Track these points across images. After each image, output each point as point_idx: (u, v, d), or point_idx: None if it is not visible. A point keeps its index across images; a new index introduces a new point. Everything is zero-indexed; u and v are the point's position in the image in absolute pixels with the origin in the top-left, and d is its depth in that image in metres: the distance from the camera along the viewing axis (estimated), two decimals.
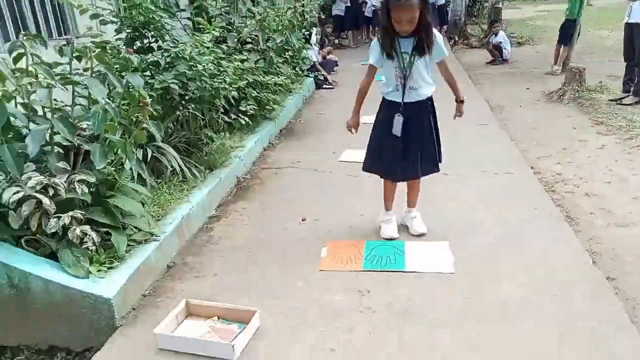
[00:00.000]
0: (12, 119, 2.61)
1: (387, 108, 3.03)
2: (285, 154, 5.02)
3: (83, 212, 2.58)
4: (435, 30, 2.87)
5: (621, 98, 6.22)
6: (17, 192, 2.40)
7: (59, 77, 2.71)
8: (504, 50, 9.60)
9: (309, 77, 7.70)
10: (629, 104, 6.04)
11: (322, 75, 8.23)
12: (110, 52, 3.17)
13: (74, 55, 2.86)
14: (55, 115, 2.62)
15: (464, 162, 4.40)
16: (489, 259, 2.91)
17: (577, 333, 2.28)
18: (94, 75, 2.79)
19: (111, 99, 2.90)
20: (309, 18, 6.89)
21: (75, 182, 2.54)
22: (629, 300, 2.59)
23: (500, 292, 2.60)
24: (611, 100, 6.26)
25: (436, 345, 2.25)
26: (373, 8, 12.48)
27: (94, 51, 2.81)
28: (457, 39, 12.60)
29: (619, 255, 3.00)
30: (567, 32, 8.18)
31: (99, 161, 2.62)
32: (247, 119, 4.83)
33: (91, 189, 2.65)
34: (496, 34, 9.74)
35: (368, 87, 3.06)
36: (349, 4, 12.54)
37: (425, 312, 2.48)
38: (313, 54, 8.25)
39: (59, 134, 2.67)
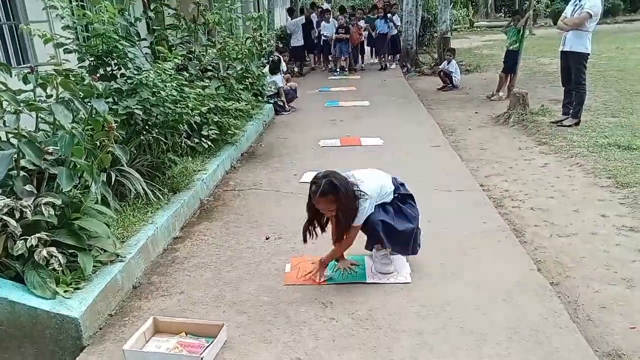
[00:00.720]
0: None
1: None
2: (248, 177, 5.12)
3: (49, 234, 2.62)
4: (361, 202, 2.87)
5: (561, 120, 6.64)
6: None
7: (24, 103, 2.77)
8: (453, 77, 10.11)
9: (269, 103, 7.87)
10: (569, 125, 6.47)
11: (282, 101, 8.40)
12: (74, 79, 3.25)
13: (38, 82, 2.93)
14: (22, 140, 2.66)
15: (419, 180, 4.60)
16: (442, 269, 3.10)
17: (523, 332, 2.48)
18: (58, 101, 2.86)
19: (76, 123, 2.97)
20: (267, 47, 7.12)
21: (42, 205, 2.58)
22: (571, 302, 2.82)
23: (454, 298, 2.79)
24: (552, 122, 6.67)
25: (396, 348, 2.40)
26: (324, 38, 13.43)
27: (59, 78, 2.89)
28: (409, 66, 13.14)
29: (561, 262, 3.25)
30: (512, 62, 8.69)
31: (66, 184, 2.68)
32: (209, 143, 4.94)
33: (57, 212, 2.69)
34: (449, 62, 10.24)
35: None
36: (301, 41, 13.34)
37: (385, 318, 2.63)
38: (280, 80, 8.42)
39: (25, 158, 2.71)
